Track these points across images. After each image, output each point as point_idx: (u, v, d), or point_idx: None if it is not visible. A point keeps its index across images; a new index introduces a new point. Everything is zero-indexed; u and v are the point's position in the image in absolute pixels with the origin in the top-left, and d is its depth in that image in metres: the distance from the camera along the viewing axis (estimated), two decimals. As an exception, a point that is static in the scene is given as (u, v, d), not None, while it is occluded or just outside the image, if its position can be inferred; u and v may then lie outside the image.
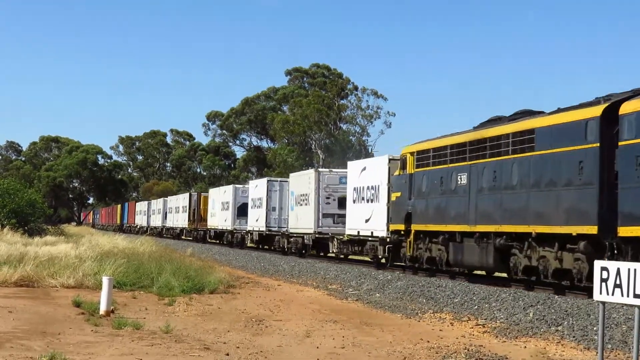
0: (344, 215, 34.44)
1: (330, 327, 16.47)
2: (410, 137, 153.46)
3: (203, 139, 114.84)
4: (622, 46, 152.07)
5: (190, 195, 67.25)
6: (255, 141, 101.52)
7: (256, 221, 46.20)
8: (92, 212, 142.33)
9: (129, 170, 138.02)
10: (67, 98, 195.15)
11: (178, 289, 21.77)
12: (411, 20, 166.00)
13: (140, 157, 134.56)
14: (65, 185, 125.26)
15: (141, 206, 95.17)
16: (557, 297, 18.58)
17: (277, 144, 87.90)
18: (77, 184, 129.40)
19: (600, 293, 10.55)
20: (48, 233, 48.19)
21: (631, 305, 10.42)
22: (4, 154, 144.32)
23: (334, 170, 38.67)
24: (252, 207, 47.05)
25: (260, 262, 36.67)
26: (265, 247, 47.87)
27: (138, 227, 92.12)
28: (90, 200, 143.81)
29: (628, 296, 10.11)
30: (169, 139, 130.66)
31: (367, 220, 31.19)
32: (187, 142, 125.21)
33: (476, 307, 18.86)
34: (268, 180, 44.62)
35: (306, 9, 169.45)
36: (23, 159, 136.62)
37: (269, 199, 43.84)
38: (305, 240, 38.41)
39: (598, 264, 10.77)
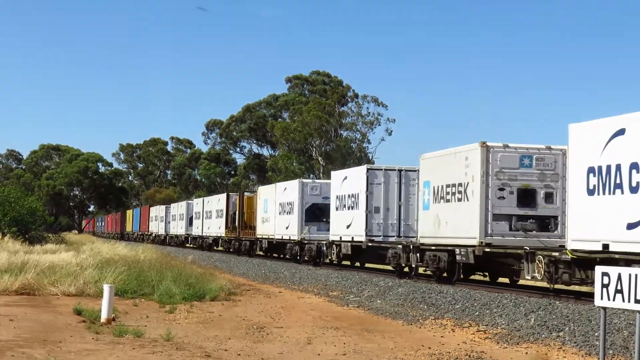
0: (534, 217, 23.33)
1: (332, 334, 16.46)
2: (411, 145, 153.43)
3: (204, 147, 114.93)
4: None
5: (228, 196, 54.34)
6: (255, 149, 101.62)
7: (347, 228, 32.91)
8: (94, 219, 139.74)
9: (130, 178, 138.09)
10: (68, 106, 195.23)
11: (179, 296, 21.77)
12: (412, 28, 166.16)
13: (140, 165, 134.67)
14: (65, 194, 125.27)
15: (157, 211, 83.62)
16: (558, 302, 18.56)
17: (277, 151, 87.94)
18: (77, 192, 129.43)
19: (602, 298, 10.56)
20: (49, 241, 48.17)
21: (632, 311, 10.41)
22: (4, 163, 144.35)
23: (510, 145, 23.72)
24: (337, 209, 34.28)
25: (261, 269, 36.68)
26: (369, 265, 35.00)
27: (153, 235, 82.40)
28: (91, 208, 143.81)
29: (629, 301, 10.12)
30: (169, 147, 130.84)
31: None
32: (188, 150, 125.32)
33: (477, 313, 18.86)
34: (369, 169, 31.82)
35: (306, 16, 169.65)
36: (23, 167, 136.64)
37: (370, 196, 31.37)
38: (461, 256, 23.72)
39: (599, 269, 10.78)
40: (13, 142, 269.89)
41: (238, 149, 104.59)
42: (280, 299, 23.98)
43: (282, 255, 43.92)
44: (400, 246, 27.87)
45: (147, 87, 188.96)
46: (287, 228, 40.44)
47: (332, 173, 36.22)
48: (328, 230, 35.52)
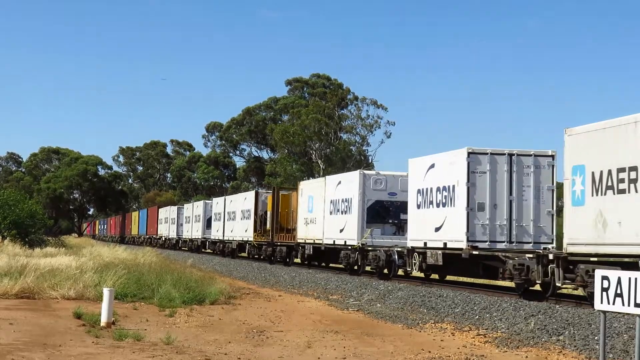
0: None
1: (332, 338, 16.45)
2: (410, 147, 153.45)
3: (204, 150, 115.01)
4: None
5: (257, 194, 47.45)
6: (255, 151, 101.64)
7: (436, 231, 25.79)
8: (96, 222, 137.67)
9: (129, 181, 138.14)
10: (68, 109, 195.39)
11: (179, 300, 21.76)
12: (412, 31, 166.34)
13: (140, 168, 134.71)
14: (65, 197, 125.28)
15: (167, 212, 76.46)
16: (558, 306, 18.56)
17: (277, 154, 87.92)
18: (77, 195, 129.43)
19: (602, 302, 10.57)
20: (48, 244, 48.16)
21: (632, 315, 10.42)
22: (4, 165, 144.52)
23: None
24: (420, 206, 26.91)
25: (261, 272, 36.66)
26: (472, 280, 28.78)
27: (163, 239, 76.34)
28: (91, 212, 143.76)
29: (629, 305, 10.13)
30: (169, 150, 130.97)
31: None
32: (188, 153, 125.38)
33: (477, 317, 18.85)
34: (470, 153, 24.52)
35: (306, 19, 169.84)
36: (23, 170, 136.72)
37: (472, 188, 24.14)
38: None
39: (599, 272, 10.78)
40: (13, 145, 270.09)
41: (238, 152, 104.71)
42: (280, 303, 23.97)
43: (329, 264, 38.26)
44: (529, 257, 21.28)
45: (147, 90, 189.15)
46: (341, 231, 33.02)
47: (410, 161, 27.97)
48: (395, 233, 30.65)
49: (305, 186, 39.62)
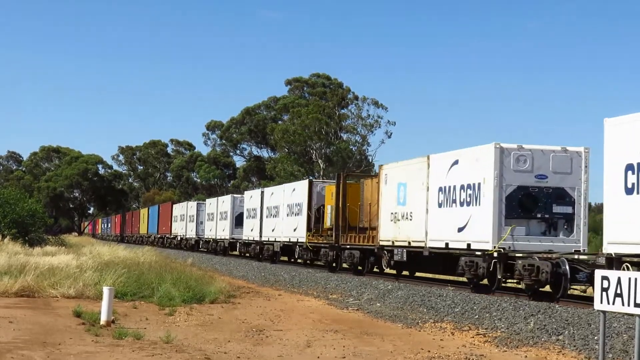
0: None
1: (331, 337, 16.45)
2: (411, 147, 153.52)
3: (204, 149, 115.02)
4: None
5: (311, 184, 37.79)
6: (255, 151, 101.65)
7: None
8: (98, 220, 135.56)
9: (130, 180, 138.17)
10: (68, 108, 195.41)
11: (178, 298, 21.77)
12: (412, 31, 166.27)
13: (140, 167, 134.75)
14: (66, 196, 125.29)
15: (184, 209, 67.70)
16: (557, 306, 18.56)
17: (277, 153, 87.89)
18: (77, 194, 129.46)
19: (601, 302, 10.57)
20: (48, 243, 48.15)
21: (632, 315, 10.42)
22: (4, 164, 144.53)
23: None
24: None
25: (260, 272, 36.64)
26: None
27: (179, 238, 68.23)
28: (91, 210, 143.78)
29: (629, 305, 10.13)
30: (169, 149, 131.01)
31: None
32: (188, 152, 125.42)
33: (477, 316, 18.85)
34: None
35: (306, 19, 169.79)
36: (23, 169, 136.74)
37: None
38: None
39: (599, 272, 10.79)
40: (13, 144, 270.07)
41: (238, 151, 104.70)
42: (280, 302, 23.97)
43: (433, 274, 29.87)
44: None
45: (147, 89, 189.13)
46: (461, 230, 23.82)
47: (606, 121, 18.17)
48: (545, 233, 22.71)
49: (392, 170, 29.04)
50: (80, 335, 15.29)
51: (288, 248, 40.85)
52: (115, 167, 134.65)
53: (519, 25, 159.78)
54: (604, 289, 10.51)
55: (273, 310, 21.46)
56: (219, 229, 55.43)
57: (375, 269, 31.69)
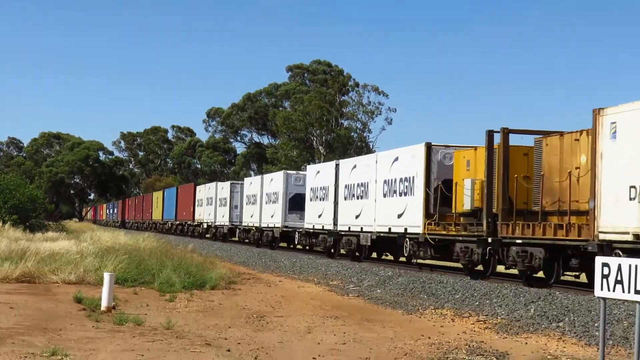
0: None
1: (331, 323, 16.48)
2: (411, 134, 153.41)
3: (204, 135, 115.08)
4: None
5: (429, 149, 26.06)
6: (256, 137, 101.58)
7: None
8: (103, 206, 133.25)
9: (130, 166, 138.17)
10: (69, 94, 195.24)
11: (179, 285, 21.80)
12: (413, 17, 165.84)
13: (141, 153, 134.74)
14: (67, 181, 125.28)
15: (212, 191, 57.44)
16: (558, 293, 18.57)
17: (278, 140, 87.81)
18: (78, 180, 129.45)
19: (602, 289, 10.55)
20: (49, 229, 48.19)
21: (632, 302, 10.41)
22: (5, 150, 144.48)
23: None
24: None
25: (261, 258, 36.64)
26: None
27: (205, 226, 59.08)
28: (91, 197, 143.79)
29: (629, 292, 10.11)
30: (170, 135, 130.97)
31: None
32: (188, 138, 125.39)
33: (477, 303, 18.87)
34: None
35: (307, 5, 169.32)
36: (24, 155, 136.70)
37: None
38: None
39: (599, 259, 10.76)
40: (14, 130, 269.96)
41: (239, 138, 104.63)
42: (281, 288, 24.00)
43: None
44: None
45: (148, 76, 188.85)
46: None
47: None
48: None
49: (632, 116, 17.42)
50: (81, 321, 15.31)
51: (383, 240, 29.59)
52: (116, 153, 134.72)
53: (523, 11, 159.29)
54: (605, 276, 10.48)
55: (274, 296, 21.49)
56: (266, 215, 43.96)
57: (576, 278, 21.73)
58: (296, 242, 39.76)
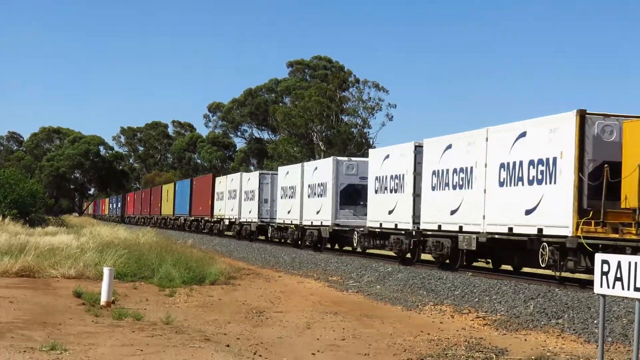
0: None
1: (331, 319, 16.48)
2: (411, 130, 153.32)
3: (205, 131, 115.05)
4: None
5: (582, 118, 18.66)
6: (256, 133, 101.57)
7: None
8: (105, 200, 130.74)
9: (130, 161, 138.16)
10: (69, 89, 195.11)
11: (179, 280, 21.80)
12: (413, 13, 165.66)
13: (141, 148, 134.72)
14: (67, 176, 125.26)
15: (234, 182, 51.13)
16: (557, 290, 18.57)
17: (278, 135, 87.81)
18: (78, 175, 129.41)
19: (601, 286, 10.54)
20: (49, 223, 48.22)
21: (632, 299, 10.40)
22: (5, 145, 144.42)
23: None
24: None
25: (261, 253, 36.62)
26: None
27: (226, 222, 52.65)
28: (91, 191, 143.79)
29: (629, 289, 10.10)
30: (170, 130, 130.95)
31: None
32: (188, 133, 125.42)
33: (477, 299, 18.87)
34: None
35: (308, 1, 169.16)
36: (24, 149, 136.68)
37: None
38: None
39: (599, 256, 10.76)
40: (14, 125, 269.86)
41: (239, 133, 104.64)
42: (280, 284, 23.99)
43: None
44: None
45: (149, 71, 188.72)
46: None
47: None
48: None
49: None
50: (81, 315, 15.31)
51: (502, 244, 22.44)
52: (116, 148, 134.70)
53: (524, 8, 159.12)
54: (604, 273, 10.47)
55: (273, 292, 21.48)
56: (309, 210, 37.02)
57: None
58: (355, 244, 32.38)
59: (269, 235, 44.95)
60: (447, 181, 24.77)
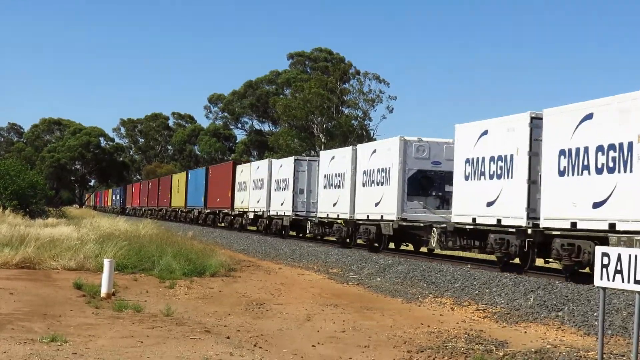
0: None
1: (331, 311, 16.48)
2: (412, 122, 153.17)
3: (205, 122, 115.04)
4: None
5: None
6: (257, 124, 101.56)
7: None
8: (107, 191, 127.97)
9: (131, 152, 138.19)
10: (69, 80, 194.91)
11: (179, 272, 21.81)
12: (414, 5, 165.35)
13: (141, 140, 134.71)
14: (68, 167, 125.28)
15: (261, 171, 45.30)
16: (557, 282, 18.57)
17: (278, 127, 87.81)
18: (79, 166, 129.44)
19: (601, 279, 10.53)
20: (49, 215, 48.22)
21: (632, 292, 10.40)
22: (5, 136, 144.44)
23: None
24: None
25: (261, 245, 36.63)
26: None
27: (252, 215, 46.46)
28: (92, 183, 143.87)
29: (629, 282, 10.09)
30: (170, 122, 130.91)
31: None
32: (189, 125, 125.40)
33: (477, 292, 18.87)
34: None
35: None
36: (24, 140, 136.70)
37: None
38: None
39: (599, 249, 10.75)
40: (14, 116, 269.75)
41: (239, 125, 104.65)
42: (280, 276, 24.00)
43: None
44: None
45: (149, 62, 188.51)
46: None
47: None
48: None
49: None
50: (81, 307, 15.32)
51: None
52: (117, 139, 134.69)
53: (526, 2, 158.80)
54: (604, 266, 10.46)
55: (273, 284, 21.49)
56: (363, 202, 31.07)
57: None
58: (432, 244, 26.43)
59: (308, 231, 38.70)
60: (586, 162, 18.50)
